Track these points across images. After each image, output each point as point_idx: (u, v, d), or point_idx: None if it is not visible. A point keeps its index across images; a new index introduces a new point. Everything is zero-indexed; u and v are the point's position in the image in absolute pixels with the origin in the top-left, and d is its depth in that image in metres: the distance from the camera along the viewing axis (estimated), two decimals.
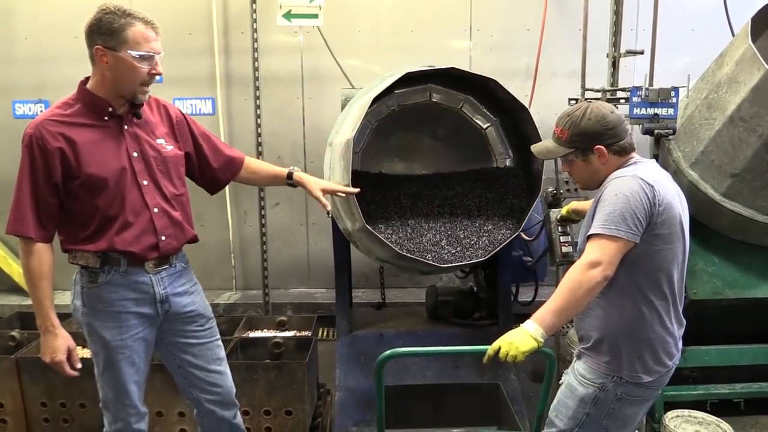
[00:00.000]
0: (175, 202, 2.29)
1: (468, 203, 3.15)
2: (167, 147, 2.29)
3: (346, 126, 3.01)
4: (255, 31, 4.84)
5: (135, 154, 2.20)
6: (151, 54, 2.10)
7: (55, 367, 2.19)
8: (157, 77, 2.15)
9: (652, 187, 1.92)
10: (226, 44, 5.06)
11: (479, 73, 2.87)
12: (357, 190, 2.63)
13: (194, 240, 2.41)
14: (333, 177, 3.03)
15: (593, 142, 2.04)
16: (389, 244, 2.83)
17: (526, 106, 4.52)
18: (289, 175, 2.57)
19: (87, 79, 2.19)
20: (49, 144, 2.06)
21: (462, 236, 3.00)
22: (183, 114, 2.44)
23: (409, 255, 2.84)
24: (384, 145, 3.46)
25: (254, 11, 4.81)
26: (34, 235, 2.11)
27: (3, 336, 3.39)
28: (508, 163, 3.34)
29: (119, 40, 2.05)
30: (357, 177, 2.86)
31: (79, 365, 2.23)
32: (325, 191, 2.57)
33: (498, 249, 2.92)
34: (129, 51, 2.06)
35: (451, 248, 2.95)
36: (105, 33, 2.05)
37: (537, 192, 2.96)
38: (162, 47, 2.13)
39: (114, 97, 2.15)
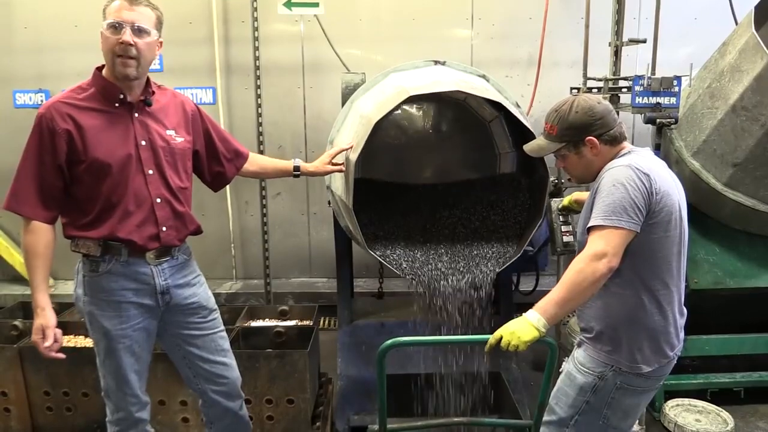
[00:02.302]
0: (180, 195, 2.29)
1: (470, 225, 3.14)
2: (177, 139, 2.29)
3: (347, 130, 2.96)
4: (255, 20, 4.82)
5: (143, 143, 2.20)
6: (119, 22, 2.08)
7: (35, 346, 2.17)
8: (131, 49, 2.09)
9: (648, 175, 1.92)
10: (226, 33, 5.04)
11: (487, 97, 2.76)
12: (352, 145, 2.73)
13: (198, 231, 2.41)
14: (333, 182, 3.02)
15: (583, 134, 2.04)
16: (390, 266, 2.83)
17: (531, 93, 4.48)
18: (296, 168, 2.70)
19: (104, 65, 2.19)
20: (57, 125, 2.08)
21: (464, 257, 2.97)
22: (198, 108, 2.44)
23: (409, 278, 2.85)
24: (386, 137, 3.45)
25: (255, 0, 4.78)
26: (32, 215, 2.12)
27: (6, 325, 3.40)
28: (510, 158, 3.32)
29: (104, 16, 2.10)
30: (358, 184, 2.85)
31: (56, 346, 2.17)
32: (330, 164, 2.73)
33: (498, 270, 2.89)
34: (103, 22, 2.09)
35: (453, 269, 2.94)
36: (102, 13, 2.11)
37: (540, 212, 2.85)
38: (141, 20, 2.10)
39: (120, 80, 2.15)
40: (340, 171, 2.77)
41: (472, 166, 3.42)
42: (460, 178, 3.43)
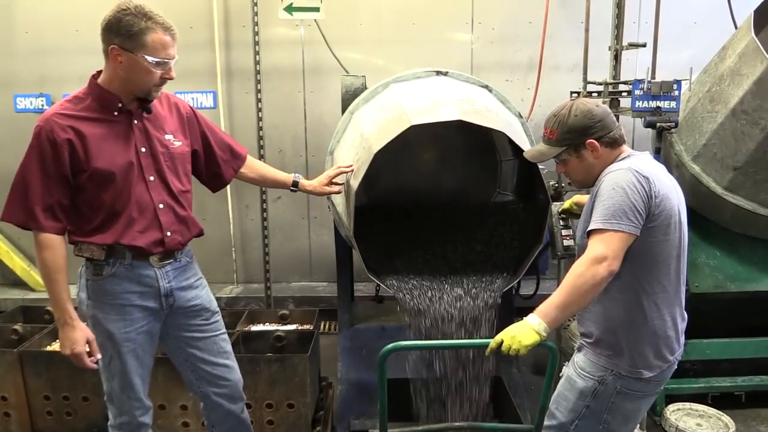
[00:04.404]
0: (182, 199, 2.30)
1: (470, 251, 3.11)
2: (176, 143, 2.29)
3: (347, 143, 2.93)
4: (256, 24, 4.83)
5: (143, 149, 2.20)
6: (167, 60, 2.10)
7: (74, 359, 2.18)
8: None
9: (648, 179, 1.92)
10: (227, 38, 5.05)
11: (489, 126, 2.63)
12: (352, 168, 2.69)
13: (200, 234, 2.41)
14: (334, 198, 3.02)
15: (584, 137, 2.04)
16: (389, 290, 2.82)
17: (532, 97, 4.44)
18: (294, 183, 2.69)
19: (99, 72, 2.19)
20: (58, 136, 2.07)
21: (465, 288, 2.92)
22: (192, 110, 2.44)
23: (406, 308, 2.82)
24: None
25: (255, 4, 4.79)
26: (45, 228, 2.10)
27: (6, 329, 3.39)
28: (511, 165, 3.30)
29: (137, 43, 2.05)
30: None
31: (99, 356, 2.22)
32: (328, 184, 2.70)
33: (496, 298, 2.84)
34: (145, 56, 2.06)
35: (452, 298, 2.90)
36: (123, 34, 2.05)
37: (540, 238, 2.74)
38: (176, 51, 2.15)
39: (124, 93, 2.15)
40: (338, 193, 2.77)
41: (472, 172, 3.41)
42: (460, 182, 3.41)
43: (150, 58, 2.06)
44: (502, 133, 2.65)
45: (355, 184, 2.63)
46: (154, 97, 2.19)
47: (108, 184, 2.13)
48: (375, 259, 2.97)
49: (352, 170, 2.70)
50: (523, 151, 2.41)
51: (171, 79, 2.16)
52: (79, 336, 2.16)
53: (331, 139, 3.14)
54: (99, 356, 2.22)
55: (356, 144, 2.81)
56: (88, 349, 2.20)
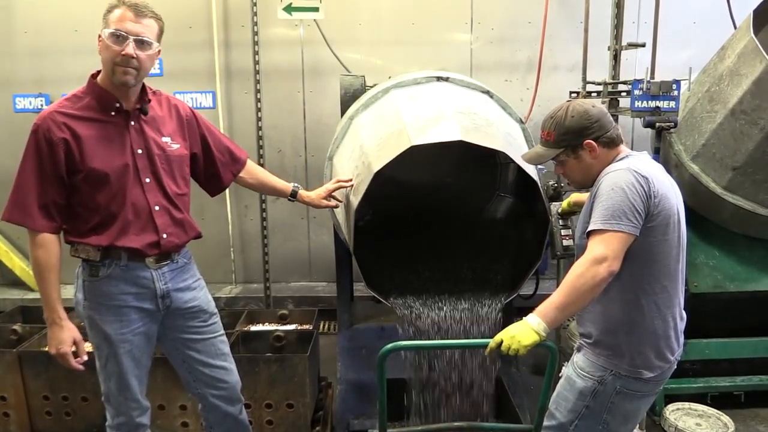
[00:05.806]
0: (178, 202, 2.29)
1: (467, 273, 3.10)
2: (173, 146, 2.28)
3: (347, 151, 2.92)
4: (255, 24, 4.83)
5: (139, 151, 2.20)
6: (122, 33, 2.06)
7: (60, 359, 2.19)
8: (133, 61, 2.08)
9: (647, 179, 1.92)
10: (226, 38, 5.05)
11: (492, 147, 2.57)
12: (352, 183, 2.67)
13: (197, 237, 2.41)
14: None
15: (581, 138, 2.04)
16: (386, 304, 2.83)
17: (531, 97, 4.42)
18: (293, 194, 2.66)
19: (98, 72, 2.19)
20: (54, 135, 2.07)
21: (463, 312, 2.89)
22: (193, 112, 2.43)
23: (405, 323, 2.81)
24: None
25: (254, 4, 4.80)
26: (40, 227, 2.11)
27: (5, 330, 3.39)
28: (512, 169, 3.29)
29: (105, 21, 2.09)
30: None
31: (85, 357, 2.23)
32: (326, 197, 2.69)
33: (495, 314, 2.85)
34: (105, 29, 2.08)
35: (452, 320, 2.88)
36: (103, 17, 2.10)
37: (540, 253, 2.69)
38: (145, 32, 2.09)
39: (116, 88, 2.14)
40: (336, 206, 2.76)
41: (472, 173, 3.40)
42: (459, 183, 3.41)
43: (106, 31, 2.07)
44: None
45: (355, 201, 2.61)
46: (122, 81, 2.10)
47: (103, 186, 2.13)
48: (374, 270, 2.97)
49: (352, 185, 2.67)
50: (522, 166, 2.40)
51: (128, 56, 2.06)
52: (66, 336, 2.17)
53: (331, 144, 3.13)
54: (85, 357, 2.23)
55: (355, 156, 2.78)
56: (75, 350, 2.20)
